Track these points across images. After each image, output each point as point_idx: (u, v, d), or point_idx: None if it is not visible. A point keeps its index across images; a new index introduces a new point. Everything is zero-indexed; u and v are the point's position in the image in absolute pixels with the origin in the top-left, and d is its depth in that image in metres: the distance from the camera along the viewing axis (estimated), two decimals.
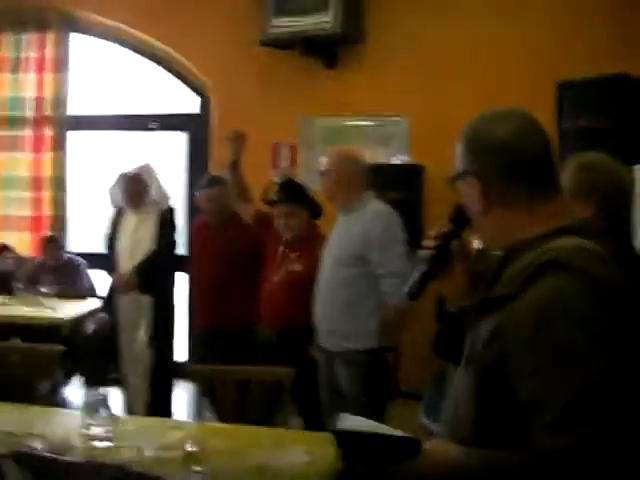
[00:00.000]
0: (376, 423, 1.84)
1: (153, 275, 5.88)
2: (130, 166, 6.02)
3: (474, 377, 1.74)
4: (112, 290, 6.07)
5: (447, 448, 1.77)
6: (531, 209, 1.81)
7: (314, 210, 5.17)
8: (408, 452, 1.74)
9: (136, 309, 5.90)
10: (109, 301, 6.10)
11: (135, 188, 5.96)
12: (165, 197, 6.13)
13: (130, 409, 5.70)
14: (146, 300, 5.89)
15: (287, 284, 4.97)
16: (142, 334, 5.89)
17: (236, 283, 5.51)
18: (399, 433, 1.78)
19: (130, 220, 6.05)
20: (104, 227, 6.28)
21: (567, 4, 6.57)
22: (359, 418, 1.83)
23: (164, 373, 5.94)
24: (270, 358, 4.71)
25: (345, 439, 1.77)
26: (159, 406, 5.71)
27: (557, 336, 1.58)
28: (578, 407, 1.53)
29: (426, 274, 2.05)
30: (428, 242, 2.06)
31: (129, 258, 5.94)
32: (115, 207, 6.18)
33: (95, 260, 7.14)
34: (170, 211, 6.11)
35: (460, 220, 2.02)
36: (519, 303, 1.65)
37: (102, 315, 6.41)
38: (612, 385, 1.55)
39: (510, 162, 1.82)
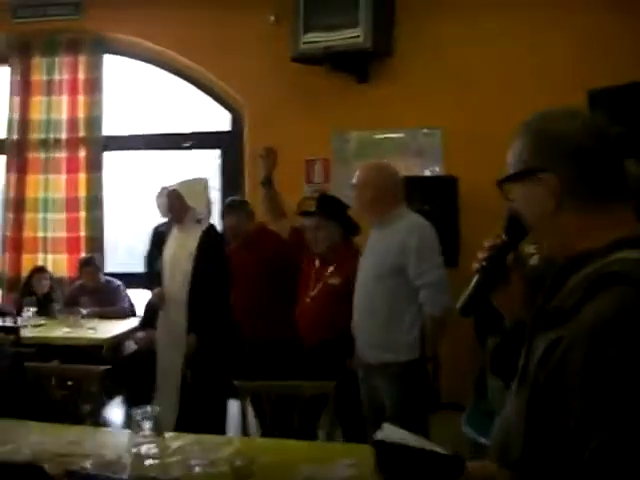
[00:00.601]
0: (419, 437, 1.79)
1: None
2: (176, 181, 5.95)
3: (525, 397, 1.64)
4: (151, 307, 6.05)
5: (492, 472, 1.71)
6: (601, 215, 1.70)
7: (349, 227, 5.20)
8: (451, 471, 1.70)
9: (175, 327, 5.82)
10: (149, 318, 6.07)
11: (171, 202, 5.87)
12: (209, 216, 6.06)
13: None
14: (183, 319, 5.80)
15: (324, 298, 5.00)
16: (179, 353, 5.80)
17: (269, 300, 5.56)
18: (442, 450, 1.74)
19: (173, 236, 5.99)
20: (148, 239, 6.31)
21: (597, 17, 6.59)
22: (402, 431, 1.80)
23: (208, 392, 5.91)
24: (310, 372, 4.72)
25: (385, 451, 1.73)
26: (204, 424, 5.68)
27: (614, 358, 1.45)
28: (629, 437, 1.42)
29: (479, 289, 1.91)
30: (481, 254, 1.93)
31: (170, 275, 5.88)
32: (162, 220, 6.19)
33: (133, 280, 7.21)
34: (212, 230, 6.01)
35: (516, 231, 1.88)
36: (577, 319, 1.54)
37: (141, 334, 6.42)
38: None
39: (590, 162, 1.71)
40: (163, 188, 5.95)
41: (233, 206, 5.78)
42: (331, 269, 5.09)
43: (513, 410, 1.70)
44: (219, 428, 5.80)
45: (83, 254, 7.94)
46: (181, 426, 5.34)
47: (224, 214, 5.78)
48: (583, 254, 1.67)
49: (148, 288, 6.20)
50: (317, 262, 5.18)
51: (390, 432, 1.76)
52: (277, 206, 5.52)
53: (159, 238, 6.10)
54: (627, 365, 1.43)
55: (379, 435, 1.74)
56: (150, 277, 6.09)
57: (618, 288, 1.50)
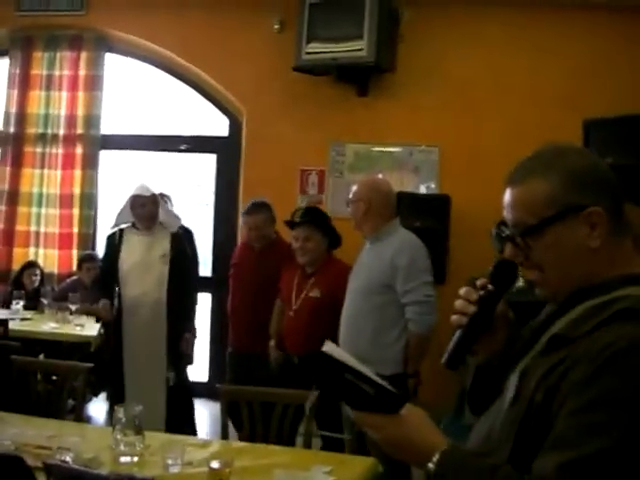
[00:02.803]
0: (365, 365, 1.68)
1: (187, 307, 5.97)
2: (138, 188, 5.93)
3: (518, 415, 1.60)
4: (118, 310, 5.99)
5: (434, 429, 1.66)
6: (621, 248, 1.68)
7: (333, 239, 5.26)
8: (387, 406, 1.64)
9: (151, 330, 5.86)
10: (116, 322, 6.01)
11: (151, 208, 5.90)
12: (175, 219, 6.12)
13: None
14: (163, 321, 5.87)
15: (306, 311, 5.06)
16: (159, 355, 5.86)
17: (265, 312, 5.59)
18: (386, 384, 1.66)
19: (136, 241, 5.97)
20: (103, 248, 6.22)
21: (595, 45, 6.66)
22: (348, 355, 1.67)
23: (182, 392, 5.95)
24: (294, 382, 4.74)
25: (329, 366, 1.64)
26: (178, 426, 5.70)
27: (619, 384, 1.44)
28: (603, 460, 1.42)
29: (464, 342, 1.80)
30: (461, 305, 1.81)
31: (139, 279, 5.87)
32: (114, 229, 6.11)
33: None
34: (186, 232, 6.14)
35: (505, 279, 1.79)
36: (587, 343, 1.53)
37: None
38: None
39: (618, 196, 1.68)
40: (136, 195, 5.89)
41: (261, 205, 5.80)
42: (312, 281, 5.15)
43: (501, 427, 1.67)
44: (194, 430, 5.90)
45: (75, 251, 7.96)
46: (170, 428, 5.41)
47: (249, 212, 5.76)
48: (596, 284, 1.65)
49: (107, 291, 6.13)
50: (297, 276, 5.24)
51: (338, 351, 1.66)
52: None
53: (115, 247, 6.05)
54: (623, 397, 1.44)
55: (327, 348, 1.64)
56: (109, 286, 6.06)
57: (632, 324, 1.50)
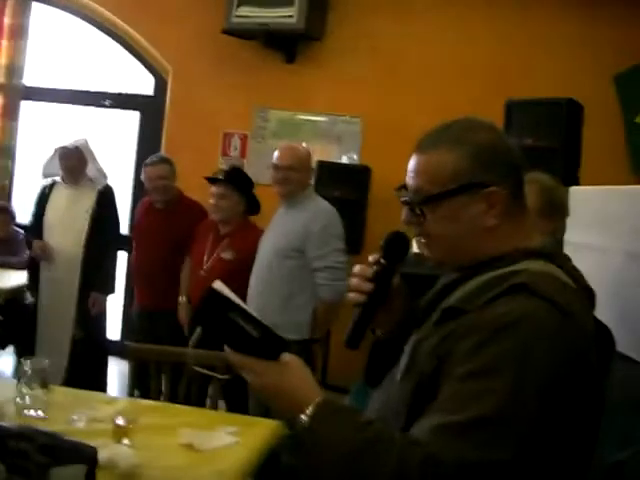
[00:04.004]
0: (249, 308, 1.63)
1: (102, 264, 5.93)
2: (69, 140, 5.90)
3: (410, 386, 1.62)
4: (36, 263, 5.96)
5: (311, 381, 1.64)
6: (518, 225, 1.72)
7: (252, 205, 5.27)
8: (269, 349, 1.60)
9: (65, 287, 5.85)
10: (34, 276, 5.99)
11: (75, 163, 5.87)
12: (103, 175, 6.06)
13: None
14: (76, 278, 5.85)
15: (217, 272, 5.01)
16: (69, 312, 5.85)
17: (180, 266, 5.55)
18: (272, 328, 1.61)
19: (63, 195, 5.95)
20: (32, 199, 6.17)
21: (525, 29, 6.75)
22: (237, 297, 1.61)
23: (94, 351, 5.94)
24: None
25: (215, 302, 1.58)
26: (88, 382, 5.69)
27: (501, 354, 1.47)
28: (485, 426, 1.42)
29: (361, 321, 1.81)
30: (359, 283, 1.82)
31: (61, 233, 5.85)
32: (47, 180, 6.08)
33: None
34: (111, 190, 6.08)
35: (396, 253, 1.81)
36: (477, 315, 1.55)
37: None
38: (543, 435, 1.45)
39: (519, 175, 1.73)
40: (62, 148, 5.86)
41: (164, 159, 5.77)
42: (225, 243, 5.15)
43: (396, 397, 1.69)
44: (104, 387, 5.89)
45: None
46: (70, 383, 5.38)
47: (152, 163, 5.71)
48: (487, 259, 1.68)
49: (29, 245, 6.10)
50: (212, 236, 5.24)
51: (227, 291, 1.60)
52: None
53: (44, 198, 6.03)
54: (504, 367, 1.45)
55: (216, 286, 1.59)
56: (34, 234, 5.98)
57: (525, 297, 1.53)
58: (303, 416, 1.56)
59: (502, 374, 1.45)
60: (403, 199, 1.75)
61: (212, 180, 5.25)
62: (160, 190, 5.70)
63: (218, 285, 1.60)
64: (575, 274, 1.69)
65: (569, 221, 3.60)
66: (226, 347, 1.62)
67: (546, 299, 1.52)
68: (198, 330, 3.83)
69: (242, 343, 1.60)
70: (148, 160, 5.83)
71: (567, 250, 3.54)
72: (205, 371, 3.21)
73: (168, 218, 5.69)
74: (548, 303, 1.51)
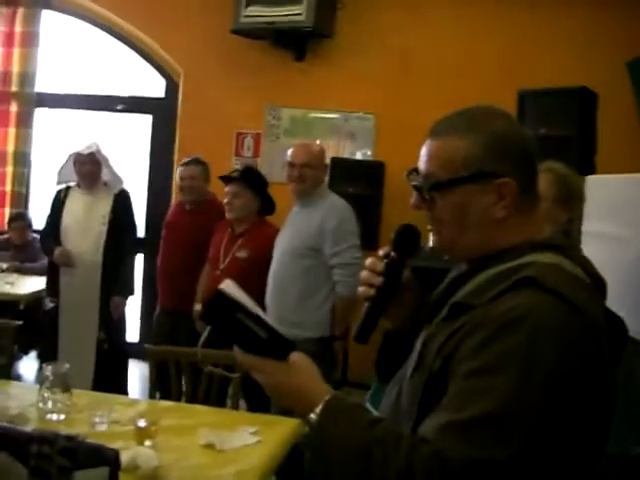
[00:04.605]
0: (258, 307, 1.63)
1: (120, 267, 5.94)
2: (82, 145, 5.92)
3: (421, 382, 1.61)
4: (55, 269, 5.97)
5: (320, 379, 1.64)
6: (528, 218, 1.68)
7: (266, 204, 5.26)
8: (277, 349, 1.61)
9: (85, 291, 5.86)
10: (53, 281, 5.99)
11: (90, 168, 5.90)
12: (118, 180, 6.08)
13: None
14: (97, 282, 5.87)
15: (232, 271, 5.01)
16: (91, 316, 5.86)
17: (201, 268, 5.54)
18: (278, 329, 1.61)
19: (79, 200, 5.97)
20: (47, 205, 6.18)
21: (535, 19, 6.72)
22: (245, 295, 1.61)
23: (115, 353, 5.96)
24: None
25: (223, 304, 1.57)
26: (109, 385, 5.71)
27: (507, 351, 1.44)
28: (489, 424, 1.41)
29: (372, 315, 1.80)
30: (369, 277, 1.81)
31: (78, 238, 5.87)
32: (61, 186, 6.10)
33: None
34: (127, 194, 6.10)
35: (407, 246, 1.80)
36: (484, 310, 1.53)
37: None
38: (548, 434, 1.42)
39: (532, 167, 1.69)
40: (76, 153, 5.89)
41: (198, 160, 5.79)
42: (240, 242, 5.15)
43: (407, 393, 1.68)
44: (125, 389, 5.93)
45: (7, 209, 7.86)
46: (97, 387, 5.41)
47: (185, 164, 5.72)
48: (497, 253, 1.65)
49: (46, 251, 6.13)
50: (226, 236, 5.24)
51: (236, 291, 1.60)
52: None
53: (59, 204, 6.04)
54: (510, 364, 1.44)
55: (224, 286, 1.58)
56: (51, 240, 5.98)
57: (532, 291, 1.50)
58: (312, 415, 1.57)
59: (506, 371, 1.43)
60: (413, 183, 1.72)
61: (225, 179, 5.25)
62: (186, 190, 5.74)
63: (227, 285, 1.59)
64: (585, 265, 1.65)
65: (585, 210, 3.58)
66: (235, 347, 1.62)
67: (553, 292, 1.49)
68: (207, 329, 3.83)
69: (250, 343, 1.60)
70: (182, 160, 5.90)
71: (584, 239, 3.54)
72: (214, 369, 3.22)
73: (194, 219, 5.70)
74: (555, 297, 1.49)
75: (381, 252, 1.82)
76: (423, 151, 1.72)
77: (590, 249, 1.76)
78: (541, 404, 1.42)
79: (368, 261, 1.83)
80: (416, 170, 1.73)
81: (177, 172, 5.85)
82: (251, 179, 5.23)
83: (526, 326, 1.45)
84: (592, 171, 4.82)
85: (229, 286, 1.60)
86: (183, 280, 5.57)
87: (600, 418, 1.53)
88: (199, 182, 5.73)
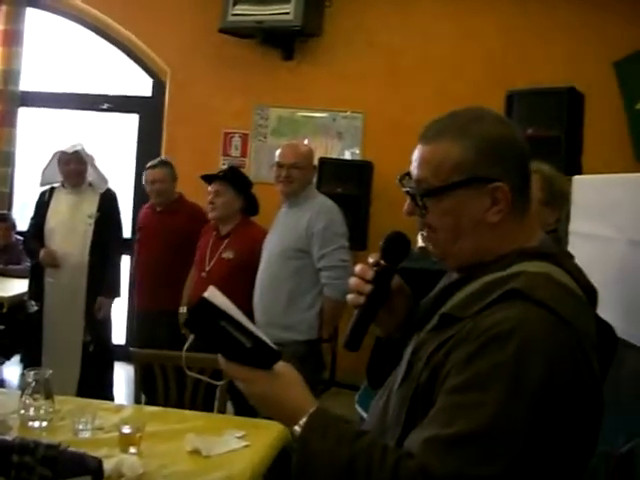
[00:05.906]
0: (245, 316, 1.60)
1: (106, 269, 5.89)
2: (67, 145, 5.85)
3: (409, 392, 1.59)
4: (39, 271, 5.90)
5: (304, 390, 1.62)
6: (521, 224, 1.66)
7: (250, 204, 5.23)
8: (262, 359, 1.58)
9: (71, 292, 5.80)
10: (37, 284, 5.92)
11: (76, 166, 5.82)
12: (103, 180, 6.01)
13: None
14: (83, 283, 5.81)
15: (218, 272, 5.00)
16: (77, 318, 5.79)
17: (179, 268, 5.51)
18: (264, 338, 1.58)
19: (64, 200, 5.90)
20: (31, 206, 6.11)
21: (523, 19, 6.72)
22: (229, 302, 1.58)
23: (101, 356, 5.90)
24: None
25: (207, 312, 1.55)
26: (95, 388, 5.66)
27: (493, 366, 1.42)
28: (475, 440, 1.39)
29: (362, 322, 1.77)
30: (359, 284, 1.77)
31: (64, 238, 5.80)
32: (45, 186, 6.03)
33: None
34: (113, 194, 6.04)
35: (396, 253, 1.77)
36: (472, 323, 1.50)
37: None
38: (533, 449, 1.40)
39: (527, 172, 1.66)
40: (61, 152, 5.82)
41: (162, 162, 5.79)
42: (225, 243, 5.12)
43: (395, 404, 1.66)
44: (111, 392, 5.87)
45: None
46: (82, 390, 5.36)
47: (151, 167, 5.72)
48: (487, 262, 1.62)
49: (30, 253, 6.09)
50: (212, 238, 5.21)
51: (220, 299, 1.57)
52: None
53: (43, 204, 5.97)
54: (496, 379, 1.42)
55: (208, 294, 1.56)
56: (36, 241, 5.91)
57: (520, 303, 1.47)
58: (297, 427, 1.54)
59: (493, 388, 1.41)
60: (405, 189, 1.69)
61: (207, 178, 5.23)
62: (154, 193, 5.73)
63: (211, 293, 1.57)
64: (575, 273, 1.62)
65: (572, 211, 3.57)
66: (219, 356, 1.60)
67: (541, 305, 1.47)
68: (191, 337, 3.79)
69: (234, 352, 1.58)
70: (148, 163, 5.84)
71: (571, 239, 3.52)
72: (199, 376, 3.19)
73: (167, 221, 5.69)
74: (543, 309, 1.46)
75: (371, 260, 1.79)
76: (415, 156, 1.68)
77: (576, 249, 1.74)
78: (528, 421, 1.39)
79: (357, 268, 1.79)
80: (408, 174, 1.70)
81: (144, 175, 5.80)
82: (233, 177, 5.20)
83: (513, 341, 1.43)
84: (579, 171, 4.83)
85: (214, 294, 1.57)
86: (159, 280, 5.57)
87: (586, 432, 1.51)
88: (167, 184, 5.74)
